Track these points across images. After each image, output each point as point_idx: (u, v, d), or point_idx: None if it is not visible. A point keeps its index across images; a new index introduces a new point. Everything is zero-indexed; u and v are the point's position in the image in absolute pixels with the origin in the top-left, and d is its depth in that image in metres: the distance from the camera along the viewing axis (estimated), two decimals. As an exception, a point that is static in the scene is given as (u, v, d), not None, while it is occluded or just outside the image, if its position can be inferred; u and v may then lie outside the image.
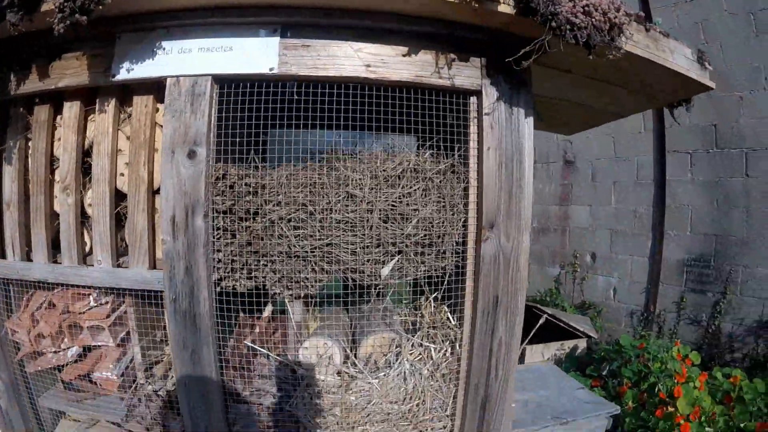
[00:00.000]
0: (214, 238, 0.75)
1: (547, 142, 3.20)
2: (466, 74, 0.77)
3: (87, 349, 0.91)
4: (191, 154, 0.73)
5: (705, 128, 2.38)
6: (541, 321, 1.58)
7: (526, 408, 1.06)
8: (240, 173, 0.75)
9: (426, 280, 0.85)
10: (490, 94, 0.80)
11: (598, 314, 2.75)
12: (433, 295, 0.86)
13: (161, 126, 0.81)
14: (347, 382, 0.79)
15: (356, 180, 0.75)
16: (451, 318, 0.83)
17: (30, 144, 0.91)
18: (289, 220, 0.74)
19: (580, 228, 3.10)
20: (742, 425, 1.50)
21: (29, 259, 0.91)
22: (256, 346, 0.81)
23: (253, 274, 0.76)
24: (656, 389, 1.64)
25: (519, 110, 0.83)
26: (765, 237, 2.19)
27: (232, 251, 0.75)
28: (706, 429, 1.49)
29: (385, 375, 0.79)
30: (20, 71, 0.84)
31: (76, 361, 0.90)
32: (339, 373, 0.80)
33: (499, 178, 0.81)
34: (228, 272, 0.76)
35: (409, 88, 0.77)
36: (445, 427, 0.87)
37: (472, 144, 0.81)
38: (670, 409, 1.51)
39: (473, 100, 0.81)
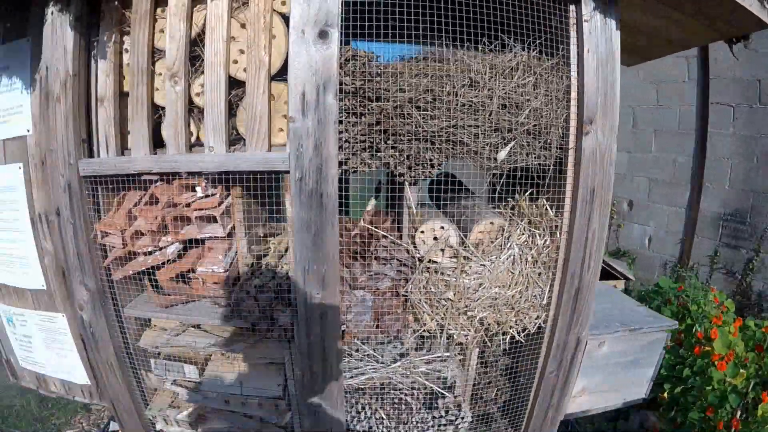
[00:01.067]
0: (344, 115, 0.74)
1: (588, 86, 3.24)
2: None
3: (185, 248, 0.88)
4: (322, 35, 0.73)
5: (749, 82, 2.41)
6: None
7: (595, 316, 1.11)
8: (369, 55, 0.75)
9: (528, 174, 0.88)
10: (588, 3, 0.84)
11: (632, 262, 2.88)
12: (529, 191, 0.89)
13: (278, 13, 0.80)
14: (462, 264, 0.81)
15: (477, 68, 0.77)
16: (549, 209, 0.86)
17: (125, 38, 0.87)
18: (417, 102, 0.75)
19: (618, 174, 3.18)
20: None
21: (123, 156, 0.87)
22: (376, 229, 0.81)
23: (379, 154, 0.76)
24: (694, 330, 1.73)
25: (611, 21, 0.88)
26: (802, 199, 2.25)
27: (360, 131, 0.75)
28: (741, 371, 1.55)
29: (496, 258, 0.81)
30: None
31: (174, 260, 0.86)
32: (455, 256, 0.82)
33: (597, 78, 0.86)
34: (354, 152, 0.76)
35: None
36: (539, 317, 0.91)
37: (573, 48, 0.86)
38: (707, 348, 1.60)
39: (572, 8, 0.85)
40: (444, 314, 0.85)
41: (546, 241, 0.87)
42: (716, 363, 1.54)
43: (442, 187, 0.97)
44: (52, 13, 0.87)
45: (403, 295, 0.85)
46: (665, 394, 1.65)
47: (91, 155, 0.91)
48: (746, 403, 1.48)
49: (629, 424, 1.72)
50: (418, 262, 0.84)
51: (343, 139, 0.77)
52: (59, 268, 1.04)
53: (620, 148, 3.20)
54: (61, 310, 1.09)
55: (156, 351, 1.01)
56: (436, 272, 0.84)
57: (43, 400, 2.53)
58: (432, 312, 0.85)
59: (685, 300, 1.87)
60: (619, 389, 1.21)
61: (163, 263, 0.88)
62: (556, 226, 0.87)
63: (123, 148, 0.90)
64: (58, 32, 0.87)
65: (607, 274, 2.07)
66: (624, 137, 3.13)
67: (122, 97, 0.90)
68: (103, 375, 1.03)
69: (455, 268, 0.83)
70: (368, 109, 0.78)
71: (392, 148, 0.78)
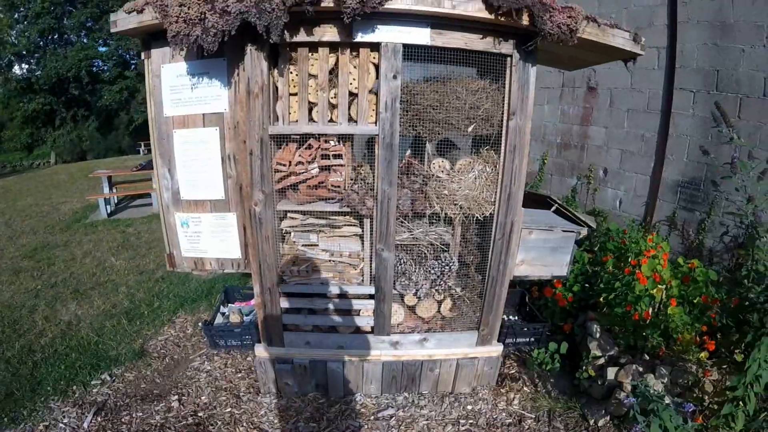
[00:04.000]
0: (401, 112, 2.90)
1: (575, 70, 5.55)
2: (506, 47, 2.98)
3: (321, 170, 2.98)
4: (395, 76, 2.87)
5: (709, 72, 4.67)
6: (552, 209, 3.83)
7: (530, 220, 3.30)
8: (410, 84, 2.91)
9: (483, 140, 3.07)
10: (515, 56, 3.02)
11: (604, 220, 5.24)
12: (486, 147, 3.08)
13: (373, 64, 2.93)
14: (451, 177, 2.97)
15: (459, 90, 2.95)
16: (494, 154, 3.05)
17: (291, 67, 2.97)
18: (433, 105, 2.92)
19: (596, 146, 5.62)
20: (694, 300, 3.84)
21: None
22: (411, 161, 2.96)
23: (415, 129, 2.92)
24: (629, 259, 3.98)
25: (528, 64, 3.07)
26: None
27: (407, 118, 2.91)
28: (659, 286, 3.78)
29: (467, 175, 2.98)
30: (289, 30, 2.90)
31: (315, 176, 2.96)
32: (448, 173, 2.98)
33: (517, 93, 3.04)
34: (406, 127, 2.91)
35: (482, 52, 2.98)
36: (491, 208, 3.09)
37: (507, 79, 3.04)
38: (636, 271, 3.83)
39: (509, 59, 3.04)
40: (443, 202, 2.97)
41: (492, 169, 3.03)
42: (639, 279, 3.78)
43: (442, 145, 3.13)
44: (250, 49, 2.93)
45: (424, 192, 2.96)
46: (601, 299, 3.88)
47: (273, 123, 2.97)
48: (658, 305, 3.73)
49: (578, 320, 3.95)
50: (431, 176, 2.96)
51: (401, 122, 2.87)
52: (237, 186, 3.09)
53: (599, 123, 5.82)
54: (232, 211, 3.13)
55: (290, 229, 3.08)
56: (439, 181, 2.95)
57: (133, 319, 4.59)
58: (437, 201, 2.96)
59: (625, 239, 4.16)
60: (547, 266, 3.39)
61: (309, 178, 2.95)
62: (496, 163, 3.03)
63: (289, 122, 2.97)
64: (255, 60, 2.91)
65: (572, 221, 4.34)
66: (603, 115, 5.55)
67: (289, 96, 2.98)
68: (259, 246, 3.05)
69: (448, 179, 2.95)
70: (411, 108, 2.90)
71: (422, 126, 2.90)
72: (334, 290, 3.14)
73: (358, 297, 3.18)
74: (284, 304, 3.22)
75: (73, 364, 3.97)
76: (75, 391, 3.66)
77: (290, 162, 2.92)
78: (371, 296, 3.16)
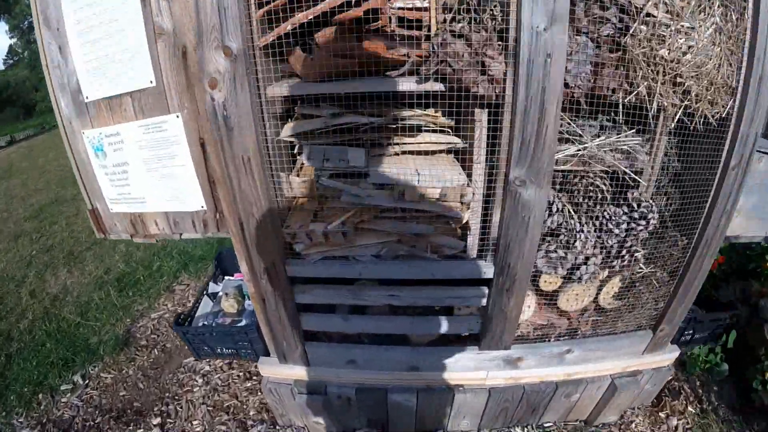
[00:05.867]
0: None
1: None
2: None
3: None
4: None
5: None
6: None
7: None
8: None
9: None
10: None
11: None
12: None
13: None
14: (676, 21, 1.13)
15: None
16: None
17: None
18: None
19: None
20: None
21: None
22: None
23: None
24: None
25: None
26: None
27: None
28: None
29: (703, 24, 1.14)
30: None
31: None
32: (668, 12, 1.14)
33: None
34: None
35: None
36: (727, 101, 1.27)
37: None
38: None
39: None
40: (656, 77, 1.18)
41: (737, 18, 1.22)
42: None
43: None
44: None
45: (621, 48, 1.16)
46: (767, 264, 2.22)
47: None
48: None
49: (729, 291, 2.29)
50: (636, 13, 1.14)
51: None
52: (178, 47, 1.20)
53: None
54: (175, 110, 1.26)
55: (302, 144, 1.22)
56: (654, 27, 1.14)
57: (123, 289, 3.47)
58: (646, 72, 1.17)
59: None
60: (765, 220, 1.64)
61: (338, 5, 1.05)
62: (744, 8, 1.21)
63: None
64: None
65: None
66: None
67: None
68: (231, 181, 1.22)
69: (669, 26, 1.15)
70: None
71: None
72: (400, 270, 1.35)
73: (453, 283, 1.40)
74: (302, 297, 1.43)
75: (46, 359, 2.79)
76: (41, 401, 2.51)
77: None
78: (484, 282, 1.38)
